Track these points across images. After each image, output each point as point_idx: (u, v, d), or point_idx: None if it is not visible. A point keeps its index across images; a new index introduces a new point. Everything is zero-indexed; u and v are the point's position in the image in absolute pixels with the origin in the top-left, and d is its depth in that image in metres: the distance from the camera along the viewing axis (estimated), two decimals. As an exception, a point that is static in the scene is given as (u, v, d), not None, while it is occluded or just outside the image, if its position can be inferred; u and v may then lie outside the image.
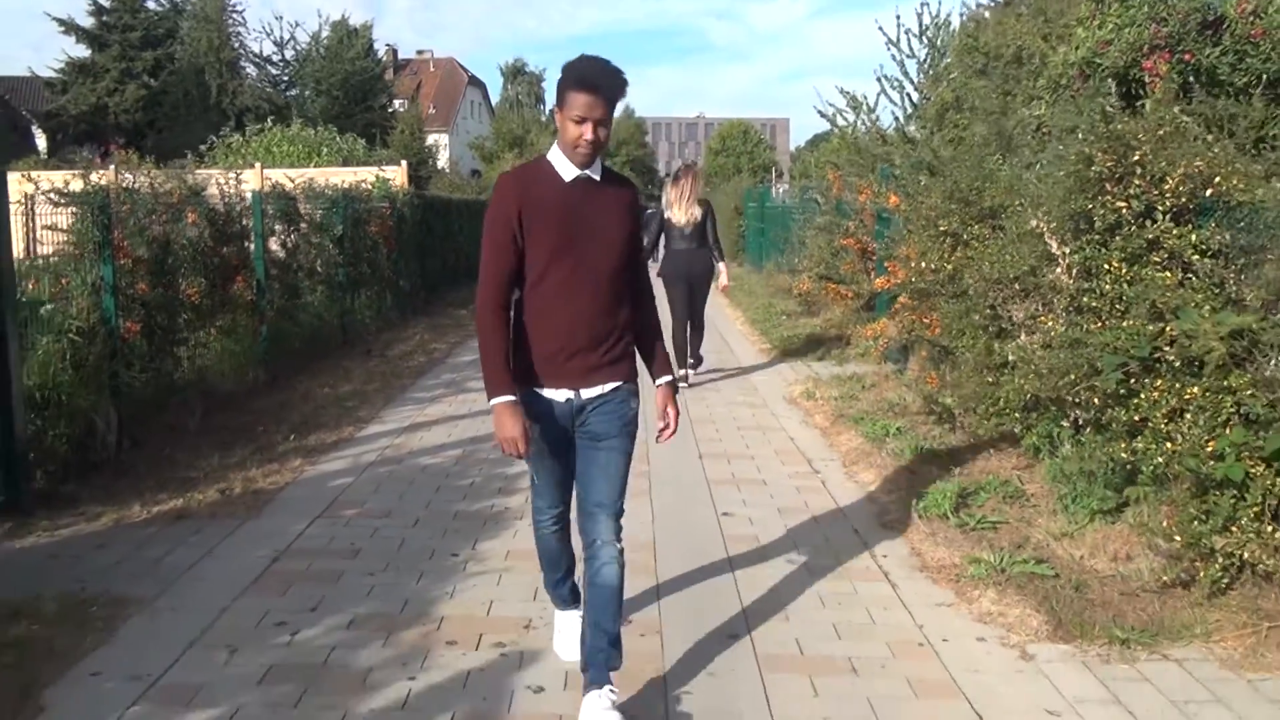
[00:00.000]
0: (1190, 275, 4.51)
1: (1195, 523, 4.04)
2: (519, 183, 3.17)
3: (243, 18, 48.30)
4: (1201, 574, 4.05)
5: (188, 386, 7.23)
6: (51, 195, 6.06)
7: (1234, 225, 4.44)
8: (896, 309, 8.45)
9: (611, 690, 3.18)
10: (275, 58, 50.44)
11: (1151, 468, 4.29)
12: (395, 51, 66.42)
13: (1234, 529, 3.94)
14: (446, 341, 11.89)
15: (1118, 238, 4.63)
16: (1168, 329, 4.25)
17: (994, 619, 4.17)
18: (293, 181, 10.30)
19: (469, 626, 4.00)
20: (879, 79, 15.58)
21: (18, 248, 5.81)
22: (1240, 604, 4.08)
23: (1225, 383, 4.05)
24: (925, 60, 15.98)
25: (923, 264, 6.75)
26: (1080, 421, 5.04)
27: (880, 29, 15.78)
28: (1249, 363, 4.03)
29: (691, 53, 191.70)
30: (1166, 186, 4.54)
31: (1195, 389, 4.13)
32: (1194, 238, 4.52)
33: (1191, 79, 10.23)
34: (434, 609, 4.17)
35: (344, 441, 7.03)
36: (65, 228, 6.21)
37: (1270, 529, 3.89)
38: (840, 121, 16.03)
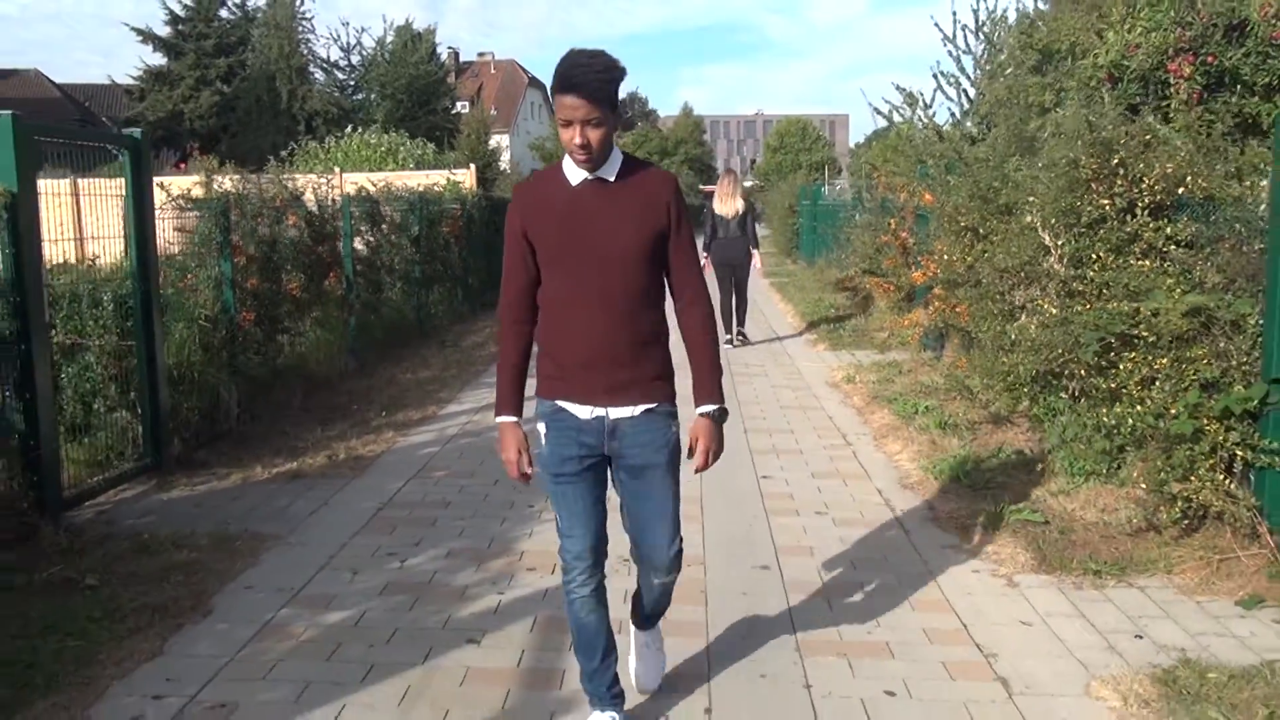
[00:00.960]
0: (1166, 262, 5.19)
1: (1162, 473, 4.74)
2: (526, 192, 3.03)
3: (312, 25, 49.79)
4: (1164, 516, 4.75)
5: (289, 370, 8.16)
6: (180, 201, 7.00)
7: (1204, 218, 5.12)
8: (929, 299, 9.15)
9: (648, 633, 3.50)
10: (342, 63, 51.88)
11: (1128, 429, 4.98)
12: (457, 55, 67.84)
13: (1192, 478, 4.63)
14: (514, 333, 12.76)
15: (1102, 230, 5.33)
16: (1141, 309, 4.94)
17: (988, 556, 4.91)
18: (374, 185, 11.24)
19: (546, 558, 4.81)
20: (935, 75, 15.81)
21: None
22: (1201, 543, 4.77)
23: (1188, 354, 4.75)
24: (982, 56, 16.14)
25: (947, 256, 7.47)
26: (1076, 393, 5.73)
27: (936, 25, 15.94)
28: (1206, 336, 4.71)
29: (750, 50, 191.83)
30: (1144, 185, 5.23)
31: (1164, 360, 4.83)
32: (1169, 230, 5.20)
33: (1215, 80, 10.78)
34: (516, 545, 5.01)
35: (428, 419, 7.92)
36: (189, 229, 7.13)
37: (1221, 477, 4.57)
38: (896, 118, 16.38)
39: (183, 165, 37.83)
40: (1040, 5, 28.16)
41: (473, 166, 15.79)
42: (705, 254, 11.42)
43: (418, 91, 51.19)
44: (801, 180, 36.16)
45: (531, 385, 3.08)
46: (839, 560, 4.86)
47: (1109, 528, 5.10)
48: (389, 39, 51.79)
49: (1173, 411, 4.67)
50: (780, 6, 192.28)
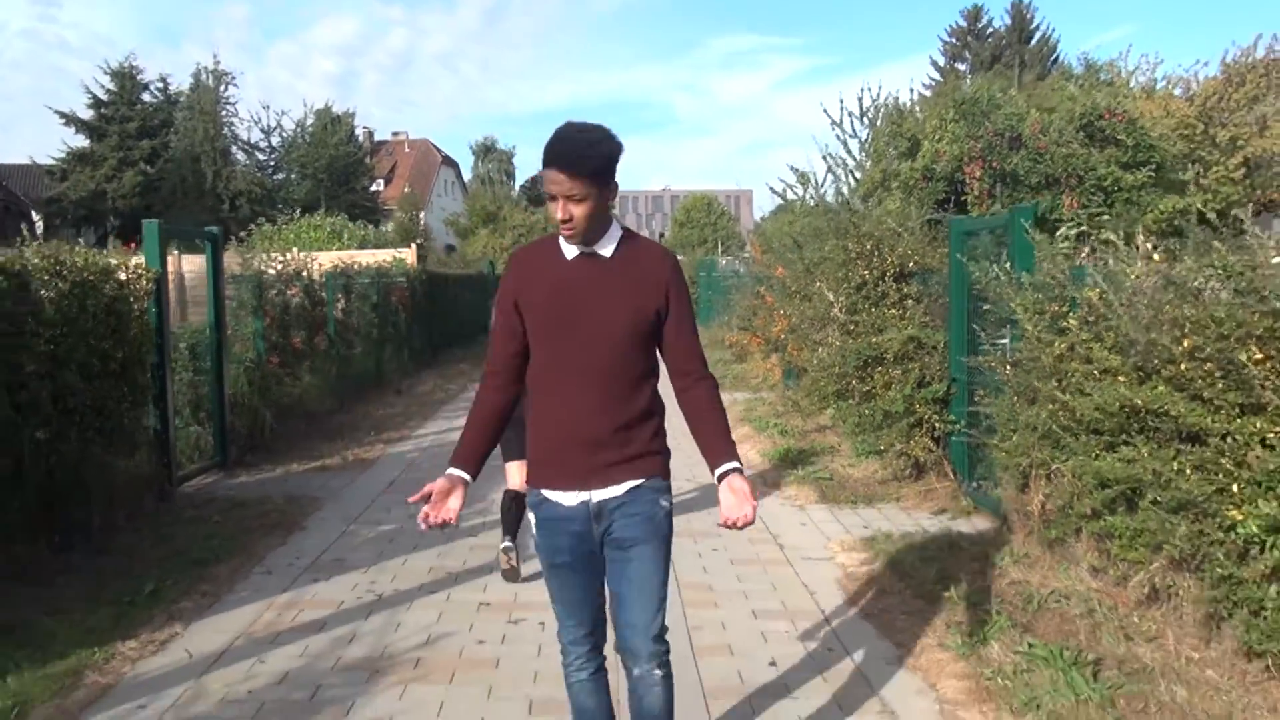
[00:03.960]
0: (904, 310, 8.10)
1: (896, 441, 7.61)
2: (520, 262, 2.93)
3: (235, 109, 52.02)
4: (896, 466, 7.62)
5: (295, 405, 10.67)
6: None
7: (923, 282, 8.07)
8: (781, 345, 12.09)
9: None
10: (262, 144, 53.93)
11: (879, 416, 7.84)
12: (372, 135, 70.32)
13: (911, 442, 7.52)
14: (456, 384, 15.43)
15: (864, 290, 8.24)
16: (883, 339, 7.84)
17: (791, 498, 7.71)
18: (342, 264, 13.84)
19: (508, 503, 7.45)
20: (824, 157, 18.02)
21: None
22: (920, 486, 7.64)
23: (909, 366, 7.65)
24: (866, 140, 18.46)
25: (789, 313, 10.38)
26: (857, 399, 8.60)
27: (825, 111, 18.21)
28: (919, 354, 7.62)
29: (657, 126, 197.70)
30: (889, 261, 8.17)
31: (896, 371, 7.71)
32: (905, 290, 8.14)
33: (999, 179, 14.10)
34: (489, 495, 7.60)
35: (405, 437, 10.53)
36: (230, 295, 9.66)
37: (928, 441, 7.46)
38: (790, 196, 18.69)
39: (132, 244, 39.40)
40: (923, 91, 31.95)
41: (414, 245, 18.45)
42: None
43: (337, 171, 53.40)
44: (704, 254, 39.54)
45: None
46: (696, 506, 7.60)
47: (869, 481, 7.97)
48: (309, 121, 54.19)
49: (898, 400, 7.56)
50: (687, 85, 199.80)
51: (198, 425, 8.61)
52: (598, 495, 2.86)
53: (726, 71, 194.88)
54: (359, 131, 59.19)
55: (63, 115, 49.06)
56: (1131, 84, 27.10)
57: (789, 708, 4.05)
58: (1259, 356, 3.74)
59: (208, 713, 4.00)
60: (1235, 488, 3.89)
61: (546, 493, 2.92)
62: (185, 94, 50.96)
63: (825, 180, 17.87)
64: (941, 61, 55.59)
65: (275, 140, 54.08)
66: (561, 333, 2.82)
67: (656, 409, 2.96)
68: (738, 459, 2.90)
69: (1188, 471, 4.16)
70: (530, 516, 2.99)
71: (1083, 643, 4.44)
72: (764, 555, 6.20)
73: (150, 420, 7.34)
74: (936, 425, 7.47)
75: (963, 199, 13.95)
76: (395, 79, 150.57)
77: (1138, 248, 4.97)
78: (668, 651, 2.95)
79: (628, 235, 2.89)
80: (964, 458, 7.30)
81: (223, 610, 5.19)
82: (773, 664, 4.51)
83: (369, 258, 17.18)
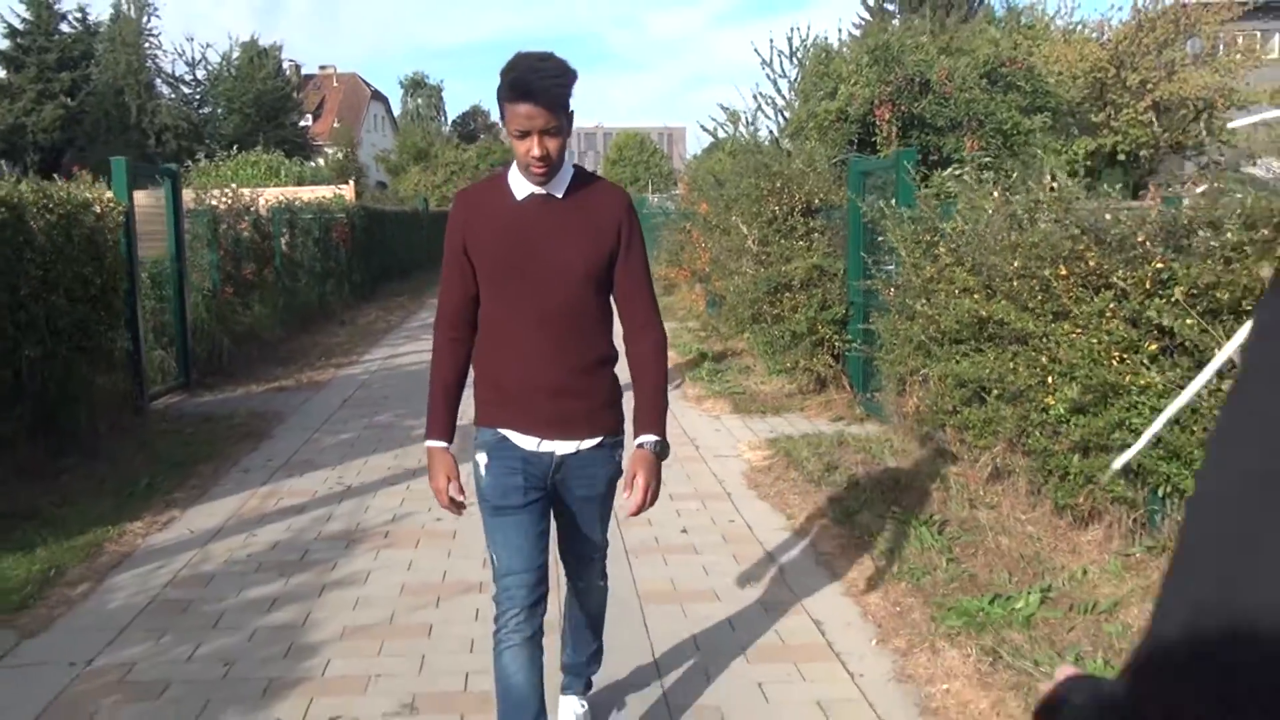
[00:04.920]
0: (810, 242, 9.02)
1: (800, 359, 8.57)
2: (467, 203, 2.81)
3: (158, 41, 50.95)
4: (801, 381, 8.59)
5: (247, 332, 11.33)
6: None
7: (827, 217, 8.99)
8: (705, 277, 12.99)
9: (582, 703, 3.27)
10: (188, 77, 52.95)
11: (787, 337, 8.78)
12: (299, 68, 69.20)
13: (814, 359, 8.48)
14: (396, 316, 16.15)
15: (775, 224, 9.14)
16: (790, 268, 8.75)
17: (708, 410, 8.66)
18: (285, 199, 14.40)
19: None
20: (755, 96, 18.70)
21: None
22: (822, 398, 8.62)
23: (813, 292, 8.58)
24: (795, 80, 19.00)
25: (704, 245, 11.26)
26: (768, 322, 9.53)
27: (756, 51, 18.66)
28: (821, 281, 8.56)
29: (592, 61, 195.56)
30: (796, 198, 9.07)
31: (801, 296, 8.65)
32: (811, 224, 9.05)
33: (907, 122, 15.00)
34: (435, 412, 8.45)
35: (353, 362, 11.28)
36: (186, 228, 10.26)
37: (829, 359, 8.43)
38: (721, 134, 19.34)
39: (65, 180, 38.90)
40: (853, 31, 32.29)
41: (352, 182, 18.94)
42: None
43: (265, 106, 52.77)
44: (635, 193, 40.29)
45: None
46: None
47: (778, 394, 8.94)
48: (235, 55, 53.30)
49: (803, 322, 8.50)
50: (621, 18, 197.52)
51: (161, 350, 9.27)
52: (561, 449, 2.79)
53: (662, 5, 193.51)
54: (285, 65, 58.31)
55: (-26, 45, 47.76)
56: (1051, 29, 28.12)
57: (695, 560, 4.99)
58: (1063, 273, 4.69)
59: (216, 569, 4.83)
60: (1049, 379, 4.87)
61: (506, 432, 2.79)
62: (105, 24, 49.84)
63: (756, 119, 18.36)
64: (872, 1, 56.33)
65: (200, 74, 53.19)
66: (513, 276, 2.71)
67: (613, 353, 2.88)
68: (660, 432, 2.86)
69: (1020, 369, 5.14)
70: (481, 458, 2.83)
71: (935, 510, 5.44)
72: (682, 454, 7.12)
73: (123, 342, 8.01)
74: (836, 343, 8.44)
75: (873, 140, 14.84)
76: (319, 9, 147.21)
77: (1009, 188, 5.90)
78: (605, 564, 3.14)
79: (580, 173, 2.79)
80: (859, 372, 8.27)
81: (212, 499, 5.99)
82: (684, 531, 5.44)
83: (309, 194, 17.69)
